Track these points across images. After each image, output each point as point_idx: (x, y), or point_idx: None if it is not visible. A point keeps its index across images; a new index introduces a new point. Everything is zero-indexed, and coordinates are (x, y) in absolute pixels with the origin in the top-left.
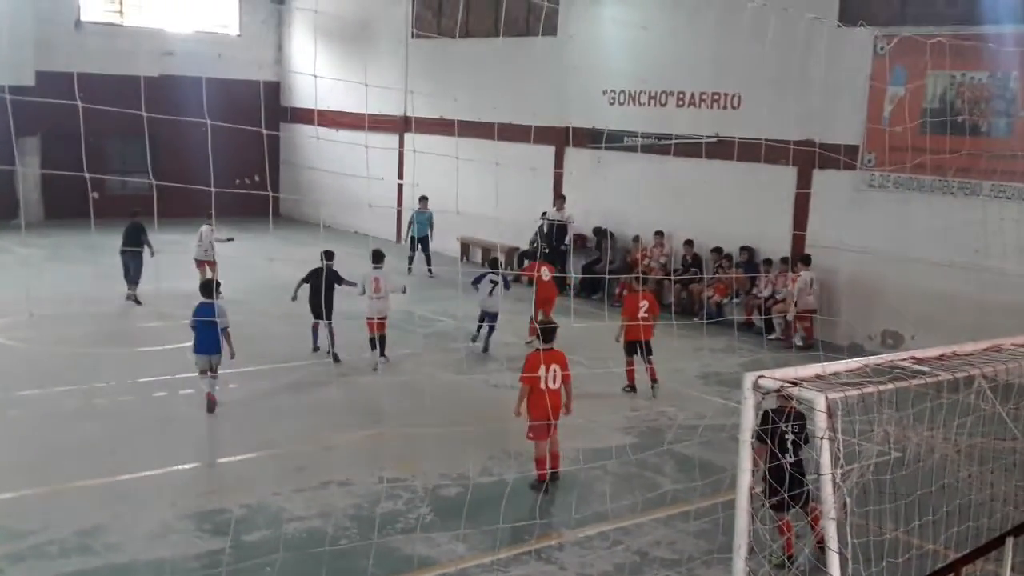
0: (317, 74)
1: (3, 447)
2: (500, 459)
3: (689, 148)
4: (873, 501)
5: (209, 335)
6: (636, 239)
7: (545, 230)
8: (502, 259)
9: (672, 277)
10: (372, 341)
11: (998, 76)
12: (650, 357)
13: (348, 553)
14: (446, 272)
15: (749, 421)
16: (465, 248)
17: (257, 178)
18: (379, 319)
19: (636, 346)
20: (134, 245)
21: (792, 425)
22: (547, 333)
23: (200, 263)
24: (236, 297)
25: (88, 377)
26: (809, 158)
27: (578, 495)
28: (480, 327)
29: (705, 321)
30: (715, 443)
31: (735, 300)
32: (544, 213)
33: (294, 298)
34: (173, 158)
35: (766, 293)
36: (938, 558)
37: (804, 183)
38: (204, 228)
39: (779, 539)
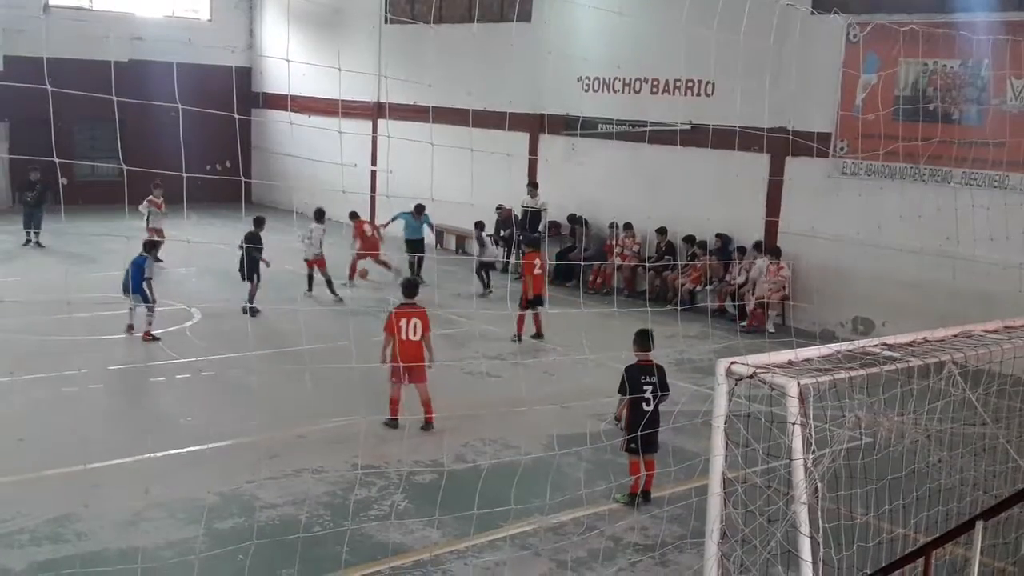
0: (289, 59)
1: None
2: (474, 446)
3: (663, 136)
4: (844, 486)
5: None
6: (612, 226)
7: (519, 218)
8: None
9: (646, 264)
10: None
11: (970, 64)
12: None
13: (322, 540)
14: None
15: (723, 408)
16: (439, 236)
17: (228, 164)
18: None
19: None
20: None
21: (651, 378)
22: (409, 289)
23: (310, 262)
24: (203, 286)
25: (57, 365)
26: (782, 145)
27: (552, 481)
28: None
29: (679, 308)
30: (688, 429)
31: (709, 287)
32: (500, 206)
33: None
34: (143, 143)
35: (739, 280)
36: (908, 542)
37: (777, 170)
38: (314, 227)
39: (629, 479)
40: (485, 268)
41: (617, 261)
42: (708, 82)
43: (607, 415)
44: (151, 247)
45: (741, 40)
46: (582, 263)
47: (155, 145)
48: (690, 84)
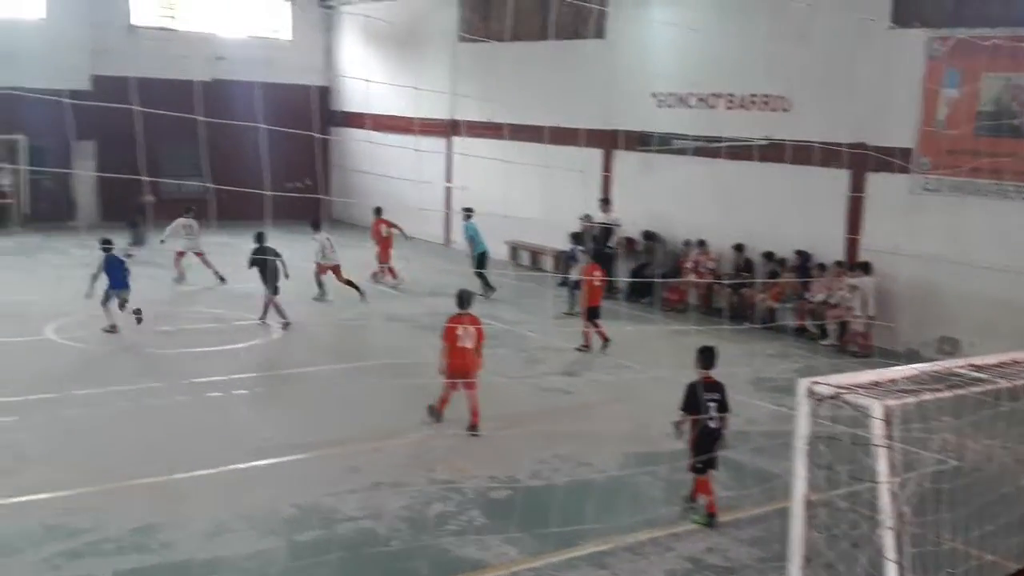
0: (367, 79)
1: (59, 446)
2: (550, 463)
3: (739, 151)
4: (931, 511)
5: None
6: (687, 243)
7: (595, 233)
8: (551, 262)
9: (722, 281)
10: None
11: None
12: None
13: (400, 554)
14: (495, 277)
15: (804, 428)
16: (513, 252)
17: (308, 181)
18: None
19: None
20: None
21: (715, 395)
22: (463, 299)
23: (323, 267)
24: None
25: (143, 377)
26: (862, 161)
27: (630, 500)
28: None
29: (758, 326)
30: (768, 450)
31: (788, 305)
32: (588, 216)
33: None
34: (225, 162)
35: (819, 298)
36: (997, 569)
37: (857, 186)
38: (321, 236)
39: (702, 499)
40: (576, 285)
41: (692, 278)
42: (784, 97)
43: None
44: (107, 242)
45: (817, 54)
46: (657, 280)
47: (236, 163)
48: (766, 99)
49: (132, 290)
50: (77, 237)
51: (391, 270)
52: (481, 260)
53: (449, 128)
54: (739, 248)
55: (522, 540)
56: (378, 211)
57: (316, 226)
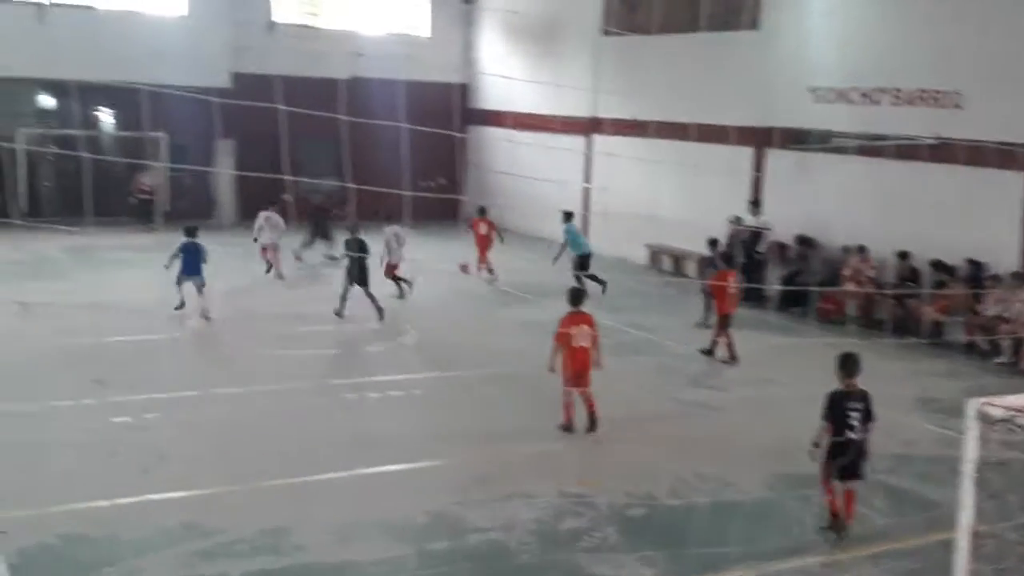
0: (508, 76)
1: (198, 444)
2: (689, 481)
3: (905, 150)
4: None
5: (193, 263)
6: (845, 249)
7: (741, 237)
8: (695, 267)
9: (885, 291)
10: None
11: None
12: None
13: (530, 569)
14: (634, 282)
15: (973, 453)
16: (655, 257)
17: (443, 180)
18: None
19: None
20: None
21: (856, 404)
22: (576, 297)
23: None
24: (427, 304)
25: (283, 378)
26: None
27: (777, 525)
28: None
29: (924, 341)
30: (931, 475)
31: (957, 319)
32: (738, 218)
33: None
34: (361, 160)
35: (993, 312)
36: None
37: None
38: (388, 230)
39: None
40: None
41: (851, 287)
42: (957, 91)
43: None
44: (194, 231)
45: (995, 44)
46: (812, 288)
47: (372, 162)
48: (936, 94)
49: (206, 281)
50: (218, 235)
51: (489, 269)
52: (584, 262)
53: (590, 126)
54: (903, 255)
55: (659, 561)
56: (482, 211)
57: (387, 219)
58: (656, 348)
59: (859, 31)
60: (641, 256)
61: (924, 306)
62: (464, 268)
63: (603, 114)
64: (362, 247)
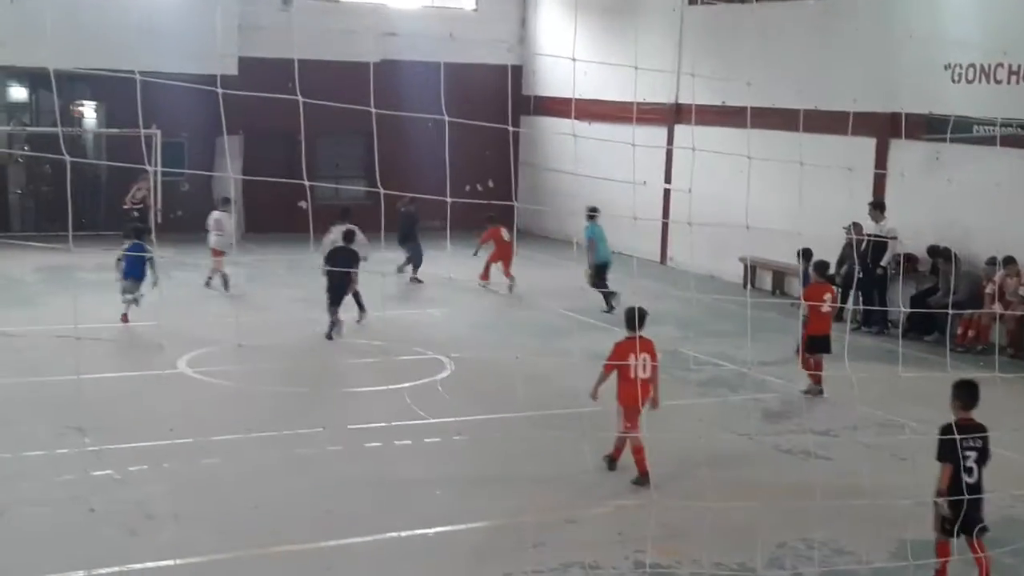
0: (570, 56)
1: (195, 501)
2: (795, 548)
3: None
4: None
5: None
6: (990, 262)
7: (861, 248)
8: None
9: None
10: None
11: None
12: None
13: None
14: (726, 303)
15: None
16: (751, 271)
17: (491, 183)
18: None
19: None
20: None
21: (976, 442)
22: (633, 320)
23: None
24: (458, 332)
25: (293, 422)
26: None
27: None
28: None
29: None
30: None
31: None
32: (853, 225)
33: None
34: (393, 160)
35: None
36: None
37: None
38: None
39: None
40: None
41: (997, 308)
42: None
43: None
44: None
45: None
46: (949, 311)
47: (405, 161)
48: None
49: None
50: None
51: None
52: (601, 271)
53: (672, 115)
54: None
55: None
56: (491, 219)
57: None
58: (755, 385)
59: None
60: (734, 272)
61: None
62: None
63: (688, 100)
64: (349, 260)
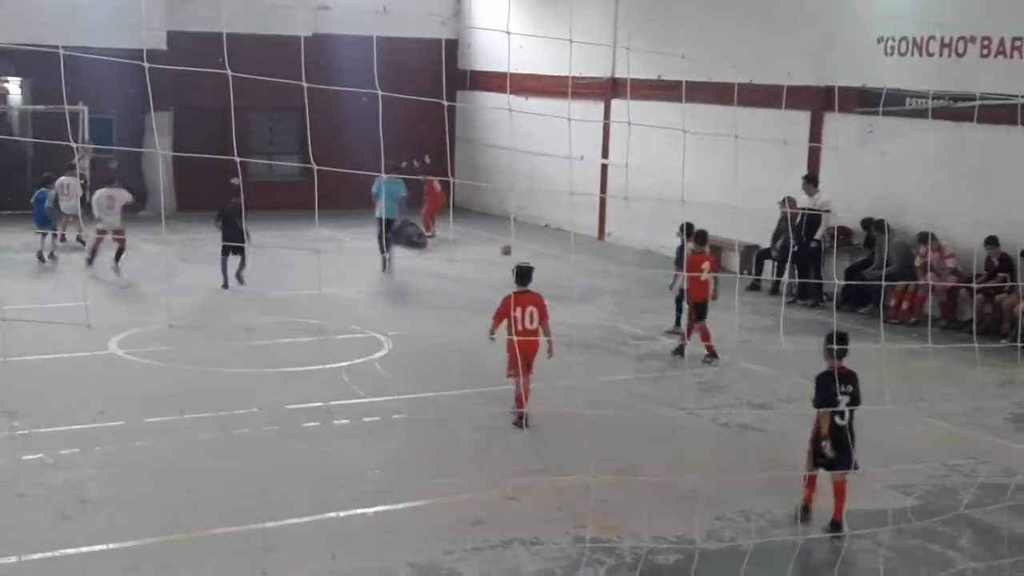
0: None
1: (128, 484)
2: (733, 521)
3: (997, 113)
4: None
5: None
6: (923, 236)
7: (795, 222)
8: (738, 259)
9: (973, 285)
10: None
11: None
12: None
13: None
14: (662, 279)
15: None
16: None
17: (428, 159)
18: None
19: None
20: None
21: (847, 387)
22: (523, 276)
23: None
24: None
25: (228, 403)
26: None
27: (840, 572)
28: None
29: (1020, 345)
30: None
31: None
32: (787, 199)
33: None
34: (326, 136)
35: None
36: None
37: None
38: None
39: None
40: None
41: (931, 279)
42: None
43: (914, 486)
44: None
45: None
46: (882, 283)
47: (339, 138)
48: None
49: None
50: (153, 230)
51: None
52: (386, 226)
53: (608, 89)
54: (993, 242)
55: None
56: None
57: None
58: (691, 360)
59: None
60: (672, 247)
61: (1019, 303)
62: (507, 250)
63: (624, 74)
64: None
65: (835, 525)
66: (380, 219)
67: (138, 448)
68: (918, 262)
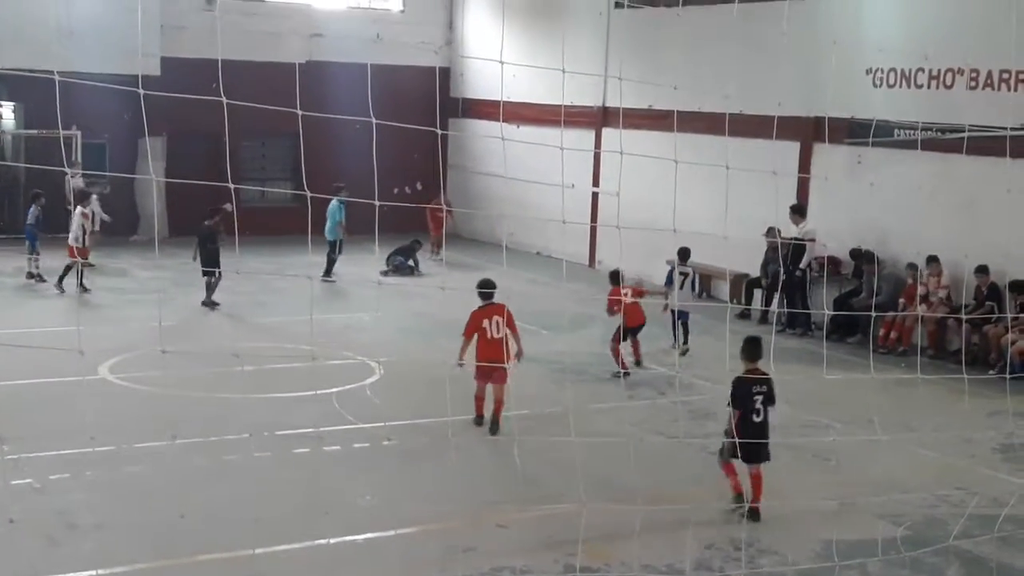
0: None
1: (118, 510)
2: (722, 550)
3: (985, 144)
4: None
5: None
6: (911, 266)
7: (783, 252)
8: (727, 287)
9: (962, 316)
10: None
11: None
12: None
13: None
14: (654, 305)
15: None
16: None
17: (420, 186)
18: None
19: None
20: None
21: (762, 388)
22: (486, 290)
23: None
24: (387, 336)
25: (219, 428)
26: None
27: None
28: (675, 331)
29: (1007, 376)
30: (1018, 540)
31: None
32: (770, 230)
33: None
34: (319, 162)
35: None
36: None
37: None
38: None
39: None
40: (683, 318)
41: (920, 310)
42: None
43: (902, 516)
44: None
45: None
46: (873, 314)
47: (333, 164)
48: (1022, 76)
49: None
50: (146, 255)
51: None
52: (334, 247)
53: (599, 118)
54: (982, 271)
55: None
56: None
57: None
58: (683, 388)
59: (928, 3)
60: (662, 275)
61: (1007, 334)
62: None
63: (615, 104)
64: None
65: (753, 512)
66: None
67: (128, 474)
68: (921, 290)
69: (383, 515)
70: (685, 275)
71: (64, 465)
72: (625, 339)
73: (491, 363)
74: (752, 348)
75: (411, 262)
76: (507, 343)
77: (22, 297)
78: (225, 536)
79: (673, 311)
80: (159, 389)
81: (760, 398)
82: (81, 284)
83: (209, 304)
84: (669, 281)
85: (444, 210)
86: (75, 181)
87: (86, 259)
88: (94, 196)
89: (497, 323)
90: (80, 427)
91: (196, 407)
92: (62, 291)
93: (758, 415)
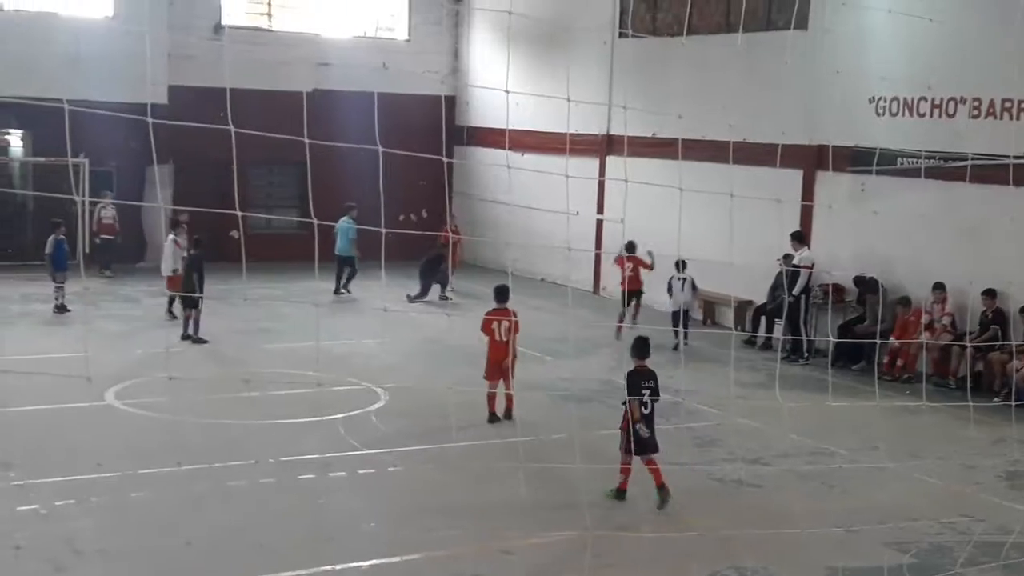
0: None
1: (124, 536)
2: None
3: (988, 172)
4: None
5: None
6: (911, 295)
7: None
8: (732, 315)
9: (966, 343)
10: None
11: None
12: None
13: None
14: (657, 333)
15: None
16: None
17: (426, 213)
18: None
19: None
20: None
21: (650, 382)
22: (501, 294)
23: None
24: (393, 362)
25: (224, 455)
26: None
27: None
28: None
29: (1012, 403)
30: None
31: None
32: (785, 257)
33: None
34: (325, 190)
35: None
36: None
37: None
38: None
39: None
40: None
41: (924, 337)
42: None
43: (909, 543)
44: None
45: None
46: (877, 341)
47: (339, 191)
48: None
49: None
50: (153, 281)
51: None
52: (344, 263)
53: (603, 146)
54: (990, 294)
55: None
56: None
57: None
58: (688, 415)
59: (929, 30)
60: (667, 302)
61: (1012, 361)
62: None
63: (619, 132)
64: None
65: (661, 489)
66: (338, 256)
67: (134, 500)
68: (925, 319)
69: (388, 541)
70: (683, 280)
71: (70, 491)
72: (629, 303)
73: (499, 367)
74: (641, 347)
75: (439, 283)
76: (514, 345)
77: (29, 323)
78: (230, 562)
79: (674, 312)
80: (165, 415)
81: (648, 392)
82: (170, 311)
83: (196, 339)
84: (669, 289)
85: (449, 237)
86: (106, 211)
87: (177, 288)
88: (183, 225)
89: (506, 327)
90: (86, 453)
91: (202, 433)
92: (173, 317)
93: (646, 408)
